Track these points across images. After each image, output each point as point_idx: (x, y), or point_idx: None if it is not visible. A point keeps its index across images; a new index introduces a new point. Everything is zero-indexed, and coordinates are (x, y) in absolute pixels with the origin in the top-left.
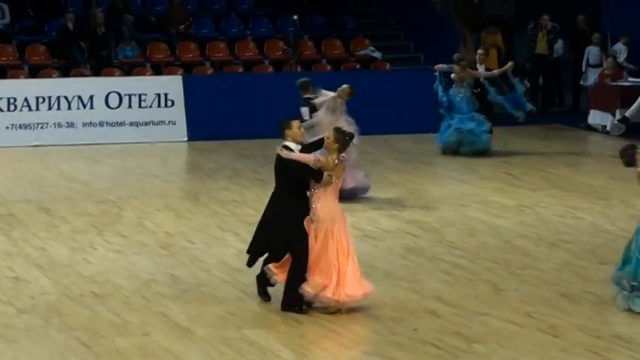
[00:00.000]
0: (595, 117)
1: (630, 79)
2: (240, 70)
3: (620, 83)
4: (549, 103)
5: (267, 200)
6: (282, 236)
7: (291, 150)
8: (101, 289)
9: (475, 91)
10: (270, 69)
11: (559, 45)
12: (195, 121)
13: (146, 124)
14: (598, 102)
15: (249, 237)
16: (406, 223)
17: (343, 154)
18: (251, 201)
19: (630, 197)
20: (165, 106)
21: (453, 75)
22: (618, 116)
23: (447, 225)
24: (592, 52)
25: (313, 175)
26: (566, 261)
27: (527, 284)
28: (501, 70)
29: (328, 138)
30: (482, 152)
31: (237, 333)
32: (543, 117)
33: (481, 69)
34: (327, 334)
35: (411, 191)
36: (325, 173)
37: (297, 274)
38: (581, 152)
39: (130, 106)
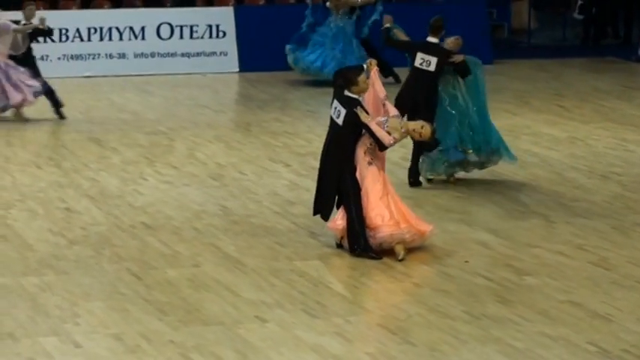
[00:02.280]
0: None
1: None
2: (292, 1)
3: None
4: (603, 35)
5: (318, 131)
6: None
7: (365, 110)
8: (152, 220)
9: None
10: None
11: None
12: (246, 52)
13: (197, 55)
14: None
15: (300, 168)
16: None
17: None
18: (302, 132)
19: None
20: (217, 37)
21: (327, 3)
22: None
23: None
24: None
25: (382, 148)
26: (617, 193)
27: (579, 216)
28: None
29: (420, 135)
30: None
31: (287, 264)
32: (595, 49)
33: None
34: (377, 266)
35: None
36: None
37: (360, 221)
38: (633, 85)
39: (181, 37)
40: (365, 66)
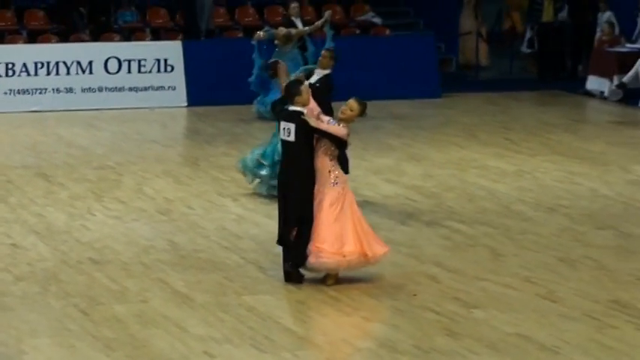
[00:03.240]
0: (593, 83)
1: (628, 45)
2: (240, 35)
3: (617, 49)
4: (555, 69)
5: None
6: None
7: (308, 118)
8: (99, 255)
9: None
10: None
11: (564, 12)
12: (194, 86)
13: (145, 89)
14: (596, 68)
15: (248, 203)
16: (405, 189)
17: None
18: None
19: (628, 163)
20: (165, 71)
21: (276, 41)
22: (616, 82)
23: (446, 190)
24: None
25: (342, 145)
26: (564, 226)
27: (526, 249)
28: (316, 24)
29: (350, 110)
30: None
31: (236, 299)
32: (543, 82)
33: (298, 23)
34: (326, 300)
35: (410, 156)
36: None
37: (307, 241)
38: (579, 118)
39: (129, 72)
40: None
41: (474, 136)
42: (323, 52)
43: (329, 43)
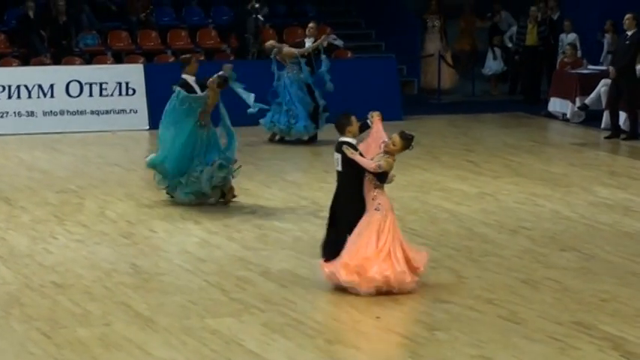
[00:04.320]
0: (555, 105)
1: (590, 66)
2: (202, 58)
3: (579, 71)
4: (512, 91)
5: None
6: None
7: (354, 147)
8: (62, 279)
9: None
10: (232, 57)
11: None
12: (156, 109)
13: (107, 112)
14: (558, 90)
15: (210, 225)
16: None
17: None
18: None
19: (590, 184)
20: (127, 94)
21: (272, 55)
22: (578, 104)
23: (408, 213)
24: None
25: (380, 177)
26: (527, 248)
27: (489, 271)
28: (315, 44)
29: (393, 145)
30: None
31: (199, 322)
32: (505, 104)
33: (309, 43)
34: (290, 323)
35: None
36: (390, 173)
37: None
38: (541, 140)
39: (90, 95)
40: (368, 120)
41: (436, 158)
42: None
43: (326, 64)
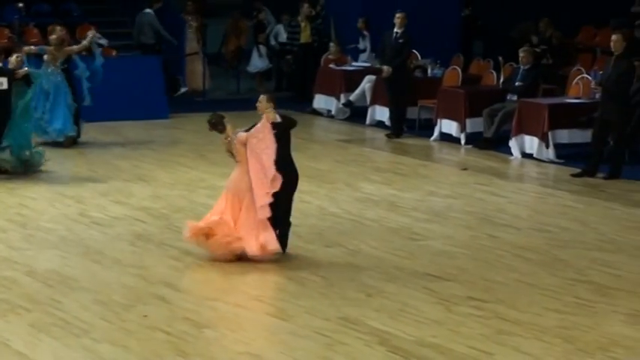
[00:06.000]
0: (320, 101)
1: (354, 63)
2: None
3: (344, 67)
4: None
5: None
6: None
7: None
8: None
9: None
10: None
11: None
12: None
13: None
14: (323, 86)
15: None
16: (134, 210)
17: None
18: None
19: (355, 180)
20: None
21: (45, 56)
22: (343, 100)
23: (175, 211)
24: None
25: None
26: (293, 244)
27: (256, 269)
28: (83, 43)
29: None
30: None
31: None
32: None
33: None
34: (57, 323)
35: (139, 177)
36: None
37: None
38: (307, 136)
39: None
40: None
41: (202, 155)
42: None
43: (99, 59)
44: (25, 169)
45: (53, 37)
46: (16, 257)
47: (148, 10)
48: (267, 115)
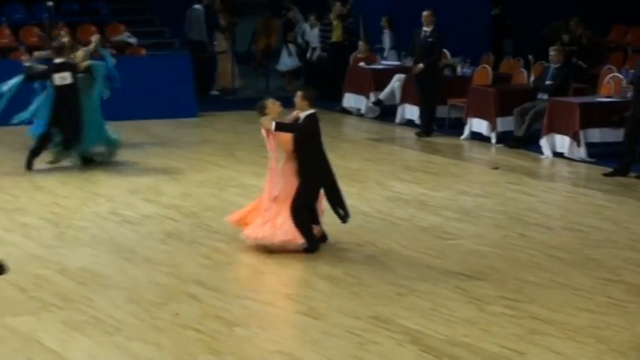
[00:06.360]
0: (349, 100)
1: (383, 62)
2: None
3: (373, 66)
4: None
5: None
6: None
7: None
8: None
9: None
10: (27, 56)
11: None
12: None
13: None
14: (352, 85)
15: (8, 224)
16: (165, 208)
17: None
18: (8, 188)
19: (385, 179)
20: None
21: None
22: (373, 99)
23: (205, 209)
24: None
25: None
26: (324, 243)
27: (287, 267)
28: (89, 47)
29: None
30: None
31: None
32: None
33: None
34: (89, 321)
35: (169, 176)
36: None
37: None
38: (337, 135)
39: None
40: None
41: (232, 154)
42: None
43: (110, 60)
44: (105, 158)
45: (54, 43)
46: (49, 255)
47: (197, 6)
48: (296, 112)
